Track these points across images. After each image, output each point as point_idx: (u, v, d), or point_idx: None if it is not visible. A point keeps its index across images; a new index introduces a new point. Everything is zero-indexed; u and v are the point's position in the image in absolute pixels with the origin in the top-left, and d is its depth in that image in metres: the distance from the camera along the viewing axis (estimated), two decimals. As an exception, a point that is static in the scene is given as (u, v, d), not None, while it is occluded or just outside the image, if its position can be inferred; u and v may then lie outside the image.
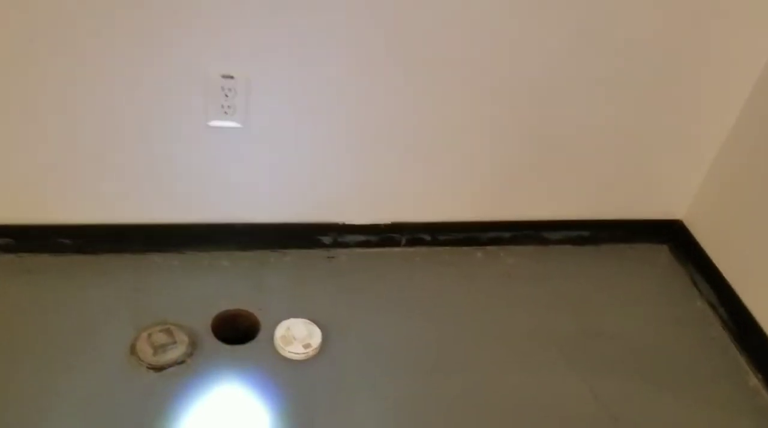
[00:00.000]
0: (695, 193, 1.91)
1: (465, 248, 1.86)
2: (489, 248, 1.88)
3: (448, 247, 1.85)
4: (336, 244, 1.77)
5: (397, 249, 1.82)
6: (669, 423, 1.53)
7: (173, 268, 1.67)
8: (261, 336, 1.56)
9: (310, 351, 1.52)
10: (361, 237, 1.78)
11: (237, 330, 1.58)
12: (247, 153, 1.57)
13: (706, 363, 1.69)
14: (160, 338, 1.48)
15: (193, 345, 1.50)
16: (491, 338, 1.65)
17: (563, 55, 1.56)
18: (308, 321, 1.58)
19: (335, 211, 1.73)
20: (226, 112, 1.48)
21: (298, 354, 1.51)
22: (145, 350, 1.46)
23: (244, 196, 1.64)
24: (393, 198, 1.74)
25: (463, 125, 1.64)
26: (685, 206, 1.94)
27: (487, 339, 1.64)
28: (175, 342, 1.48)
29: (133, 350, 1.46)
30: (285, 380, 1.47)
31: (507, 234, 1.87)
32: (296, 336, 1.53)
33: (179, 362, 1.46)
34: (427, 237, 1.82)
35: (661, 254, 1.99)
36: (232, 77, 1.43)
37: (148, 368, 1.44)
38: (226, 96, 1.45)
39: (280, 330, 1.55)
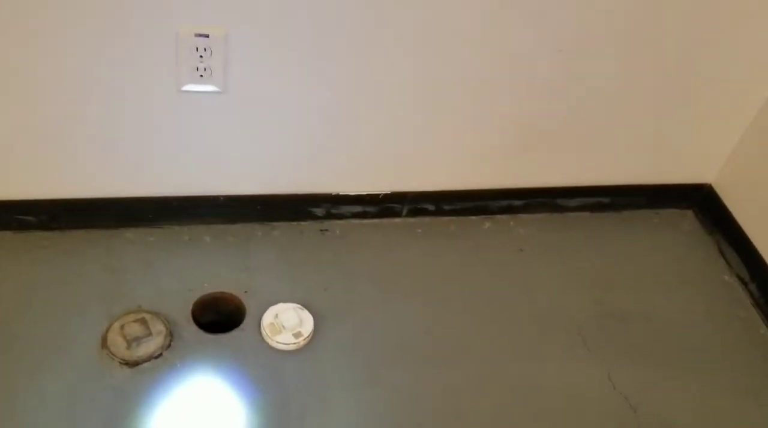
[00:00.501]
0: (728, 155, 1.73)
1: (472, 217, 1.69)
2: (499, 217, 1.71)
3: (453, 217, 1.68)
4: (329, 216, 1.61)
5: (397, 220, 1.66)
6: (693, 413, 1.40)
7: (149, 245, 1.51)
8: (246, 322, 1.41)
9: (301, 341, 1.38)
10: (357, 208, 1.61)
11: (220, 315, 1.44)
12: (229, 119, 1.38)
13: (734, 345, 1.54)
14: (134, 329, 1.33)
15: (171, 335, 1.35)
16: (501, 320, 1.50)
17: (590, 6, 1.35)
18: (298, 306, 1.43)
19: (328, 181, 1.55)
20: (201, 75, 1.28)
21: (287, 344, 1.37)
22: (117, 343, 1.32)
23: (227, 166, 1.47)
24: (393, 165, 1.56)
25: (471, 84, 1.44)
26: (715, 169, 1.76)
27: (496, 321, 1.49)
28: (150, 334, 1.33)
29: (104, 343, 1.32)
30: (272, 372, 1.33)
31: (519, 202, 1.69)
32: (285, 325, 1.38)
33: (155, 356, 1.32)
34: (431, 207, 1.65)
35: (686, 220, 1.82)
36: (206, 35, 1.23)
37: (121, 363, 1.30)
38: (201, 57, 1.26)
39: (268, 317, 1.40)
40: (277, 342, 1.37)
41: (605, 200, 1.75)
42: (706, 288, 1.66)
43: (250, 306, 1.43)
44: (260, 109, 1.38)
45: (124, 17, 1.19)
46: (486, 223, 1.70)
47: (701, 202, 1.80)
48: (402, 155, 1.55)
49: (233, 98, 1.34)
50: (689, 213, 1.83)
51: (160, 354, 1.32)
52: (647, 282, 1.64)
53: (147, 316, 1.36)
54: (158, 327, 1.35)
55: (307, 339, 1.38)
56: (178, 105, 1.33)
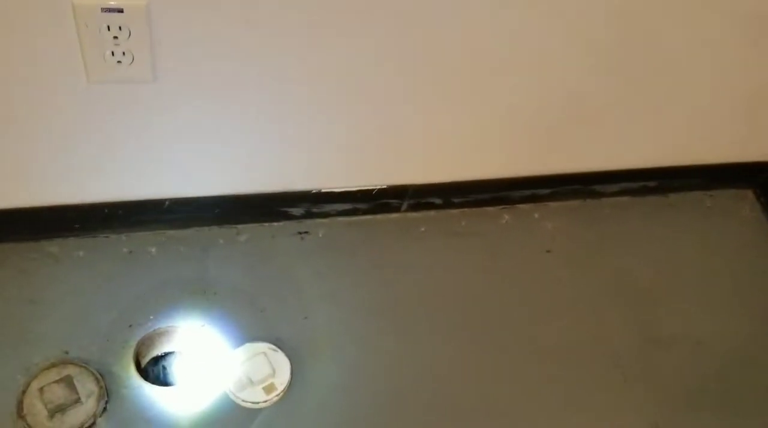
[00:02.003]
0: (808, 128, 1.39)
1: (488, 209, 1.36)
2: (520, 207, 1.37)
3: (465, 210, 1.35)
4: (310, 215, 1.27)
5: (395, 216, 1.32)
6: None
7: (77, 263, 1.17)
8: (205, 367, 1.11)
9: (273, 397, 1.08)
10: (345, 206, 1.27)
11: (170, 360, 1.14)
12: (164, 114, 1.01)
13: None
14: (57, 394, 1.03)
15: (106, 394, 1.05)
16: (523, 352, 1.21)
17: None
18: (270, 346, 1.13)
19: (307, 176, 1.20)
20: (119, 62, 0.91)
21: (256, 403, 1.08)
22: (36, 412, 1.02)
23: (169, 166, 1.11)
24: (390, 153, 1.21)
25: (492, 49, 1.07)
26: (787, 144, 1.42)
27: (517, 354, 1.20)
28: (78, 400, 1.03)
29: (20, 410, 1.02)
30: (239, 441, 1.05)
31: (545, 191, 1.36)
32: (254, 377, 1.08)
33: (86, 427, 1.02)
34: (438, 201, 1.31)
35: (745, 203, 1.49)
36: (120, 10, 0.85)
37: (41, 439, 1.01)
38: (116, 38, 0.88)
39: (231, 367, 1.10)
40: (243, 400, 1.07)
41: (651, 184, 1.41)
42: (769, 296, 1.37)
43: (208, 346, 1.13)
44: (207, 97, 1.01)
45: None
46: (505, 216, 1.36)
47: (764, 182, 1.47)
48: (401, 140, 1.19)
49: (167, 88, 0.97)
50: (749, 193, 1.50)
51: (93, 424, 1.03)
52: (697, 293, 1.34)
53: (74, 372, 1.05)
54: (88, 386, 1.04)
55: (280, 395, 1.09)
56: (92, 101, 0.96)
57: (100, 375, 1.06)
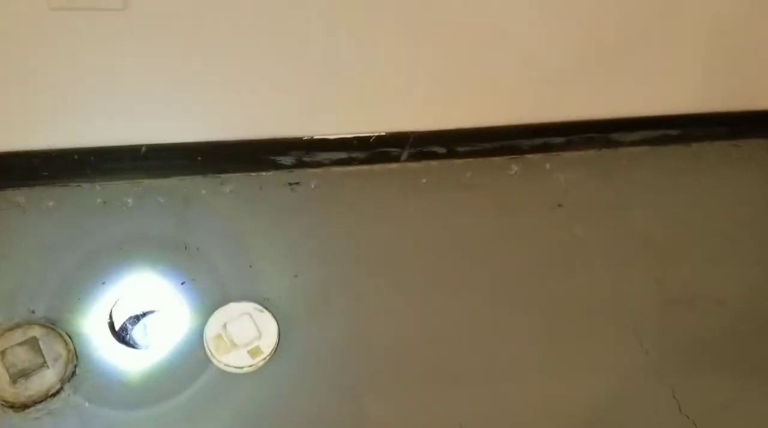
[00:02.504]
0: None
1: (495, 159, 1.25)
2: (530, 157, 1.27)
3: (471, 160, 1.24)
4: (301, 164, 1.16)
5: (394, 166, 1.21)
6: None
7: (46, 214, 1.07)
8: (185, 328, 1.02)
9: (259, 362, 1.00)
10: (339, 154, 1.16)
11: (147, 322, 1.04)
12: (139, 48, 0.90)
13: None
14: (21, 357, 0.94)
15: (75, 357, 0.96)
16: (531, 314, 1.12)
17: None
18: (256, 306, 1.03)
19: (298, 121, 1.09)
20: (81, -15, 0.80)
21: (240, 368, 0.99)
22: (-3, 376, 0.93)
23: (145, 107, 1.00)
24: (389, 98, 1.10)
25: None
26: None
27: (524, 317, 1.11)
28: (43, 364, 0.94)
29: (-21, 375, 0.94)
30: (219, 408, 0.97)
31: (559, 140, 1.25)
32: (237, 340, 0.99)
33: (52, 393, 0.94)
34: (441, 150, 1.21)
35: (774, 154, 1.39)
36: None
37: (4, 406, 0.92)
38: (75, -45, 0.77)
39: (213, 327, 1.01)
40: (225, 365, 0.98)
41: (673, 132, 1.30)
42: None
43: (189, 304, 1.04)
44: (185, 29, 0.90)
45: None
46: (513, 167, 1.26)
47: (796, 131, 1.36)
48: (402, 84, 1.08)
49: (139, 17, 0.86)
50: (778, 144, 1.39)
51: (60, 390, 0.94)
52: (720, 249, 1.24)
53: (39, 333, 0.96)
54: (55, 349, 0.96)
55: (267, 359, 1.00)
56: (55, 31, 0.85)
57: (69, 336, 0.97)
